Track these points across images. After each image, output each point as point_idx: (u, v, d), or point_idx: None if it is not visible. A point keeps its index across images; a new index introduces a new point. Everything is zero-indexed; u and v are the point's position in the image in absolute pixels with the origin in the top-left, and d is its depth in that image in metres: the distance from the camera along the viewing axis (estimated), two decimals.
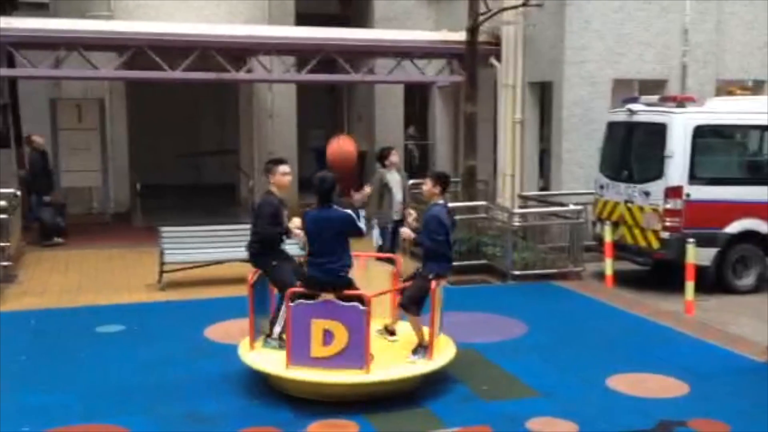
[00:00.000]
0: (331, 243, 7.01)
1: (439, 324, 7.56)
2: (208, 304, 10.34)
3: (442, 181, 7.63)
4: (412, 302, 7.39)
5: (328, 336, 6.89)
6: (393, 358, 7.34)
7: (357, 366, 6.86)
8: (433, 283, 7.30)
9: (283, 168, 7.82)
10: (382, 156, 11.15)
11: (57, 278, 11.84)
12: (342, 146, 8.49)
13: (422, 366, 7.19)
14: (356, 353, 6.87)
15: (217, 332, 9.01)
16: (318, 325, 6.91)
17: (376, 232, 11.00)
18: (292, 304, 6.98)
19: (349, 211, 7.10)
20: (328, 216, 7.04)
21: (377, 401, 6.84)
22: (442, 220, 7.38)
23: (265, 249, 7.59)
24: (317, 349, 6.92)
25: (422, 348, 7.35)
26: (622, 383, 7.49)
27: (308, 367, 6.91)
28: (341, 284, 7.00)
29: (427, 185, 7.65)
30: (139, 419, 6.61)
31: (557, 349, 8.54)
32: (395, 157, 11.16)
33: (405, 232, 7.94)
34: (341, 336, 6.88)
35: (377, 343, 7.46)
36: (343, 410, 6.69)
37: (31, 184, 14.56)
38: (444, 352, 7.44)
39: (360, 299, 6.88)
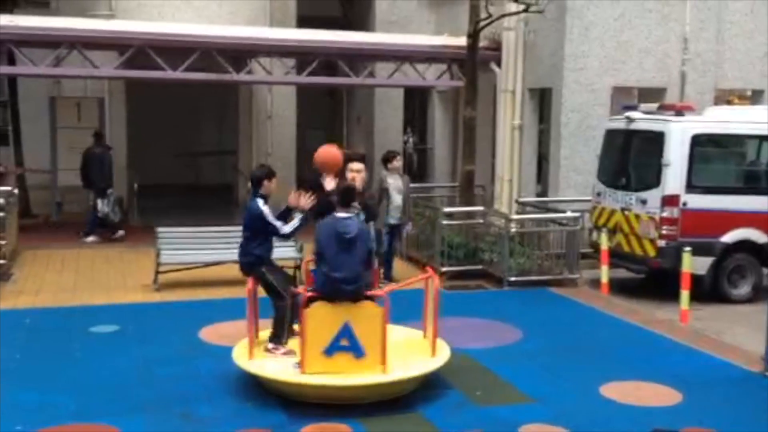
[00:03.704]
0: (245, 230, 7.65)
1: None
2: (203, 305, 10.34)
3: (341, 195, 7.25)
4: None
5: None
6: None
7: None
8: (301, 296, 7.14)
9: (351, 165, 8.77)
10: (387, 159, 11.36)
11: (52, 277, 11.83)
12: (329, 149, 8.47)
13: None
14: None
15: (212, 334, 9.02)
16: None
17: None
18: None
19: (260, 206, 7.47)
20: (247, 206, 7.78)
21: (373, 405, 6.85)
22: (318, 235, 7.09)
23: None
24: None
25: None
26: (616, 391, 7.50)
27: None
28: (244, 269, 7.66)
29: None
30: (132, 419, 6.62)
31: (552, 356, 8.55)
32: (398, 162, 11.37)
33: None
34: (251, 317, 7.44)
35: None
36: (337, 414, 6.69)
37: (96, 179, 14.50)
38: (438, 357, 7.43)
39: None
